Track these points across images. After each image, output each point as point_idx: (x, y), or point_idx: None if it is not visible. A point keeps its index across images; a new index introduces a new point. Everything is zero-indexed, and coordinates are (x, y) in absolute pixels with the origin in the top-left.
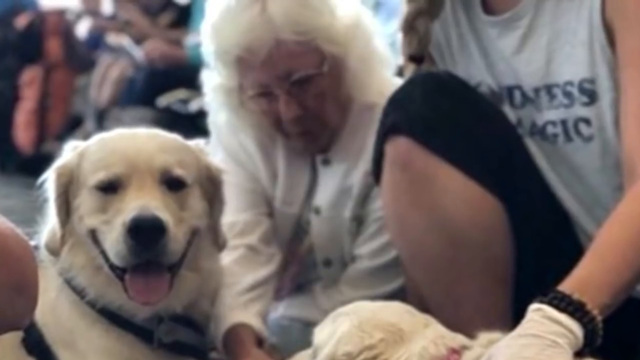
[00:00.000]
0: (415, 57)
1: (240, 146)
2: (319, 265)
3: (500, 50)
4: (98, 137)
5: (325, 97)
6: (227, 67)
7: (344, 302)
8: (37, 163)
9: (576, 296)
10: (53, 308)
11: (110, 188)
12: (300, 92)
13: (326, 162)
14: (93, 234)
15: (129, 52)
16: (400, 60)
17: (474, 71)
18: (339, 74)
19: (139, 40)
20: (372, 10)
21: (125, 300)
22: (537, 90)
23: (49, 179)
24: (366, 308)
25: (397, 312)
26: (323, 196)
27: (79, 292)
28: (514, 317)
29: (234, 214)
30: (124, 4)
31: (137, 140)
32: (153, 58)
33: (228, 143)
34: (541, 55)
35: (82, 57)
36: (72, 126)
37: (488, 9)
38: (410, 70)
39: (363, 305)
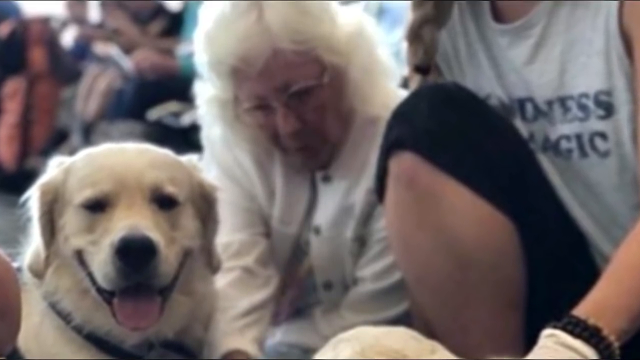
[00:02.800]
0: (421, 68)
1: (235, 162)
2: (319, 288)
3: (511, 61)
4: (85, 153)
5: (325, 109)
6: (222, 78)
7: (346, 328)
8: (20, 180)
9: (592, 321)
10: (37, 334)
11: (98, 206)
12: (299, 105)
13: (326, 179)
14: (79, 255)
15: (117, 63)
16: (405, 70)
17: (484, 82)
18: (340, 85)
19: (128, 49)
20: (375, 17)
21: (114, 326)
22: (550, 103)
23: (33, 196)
24: (369, 334)
25: (402, 338)
26: (323, 215)
27: (65, 317)
28: (525, 343)
29: (229, 233)
30: (112, 11)
31: (126, 155)
32: (143, 68)
33: (222, 159)
34: (554, 66)
35: (67, 67)
36: (57, 141)
37: (498, 17)
38: (415, 81)
39: (365, 330)
